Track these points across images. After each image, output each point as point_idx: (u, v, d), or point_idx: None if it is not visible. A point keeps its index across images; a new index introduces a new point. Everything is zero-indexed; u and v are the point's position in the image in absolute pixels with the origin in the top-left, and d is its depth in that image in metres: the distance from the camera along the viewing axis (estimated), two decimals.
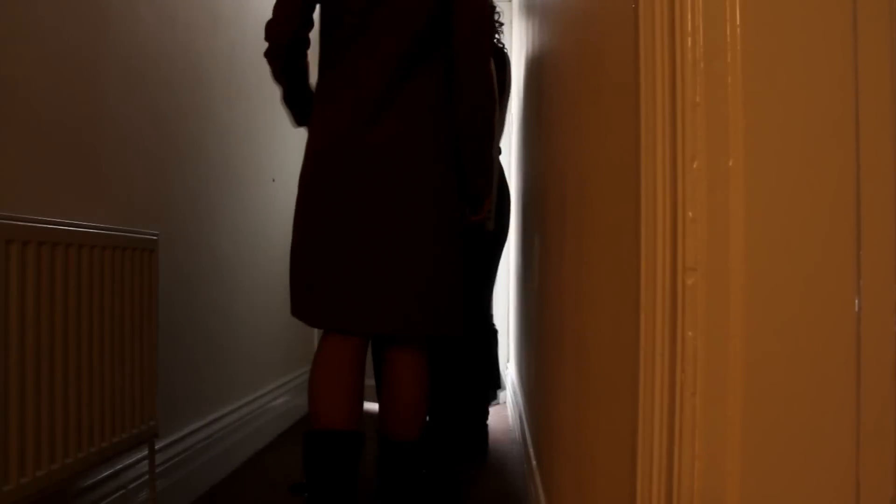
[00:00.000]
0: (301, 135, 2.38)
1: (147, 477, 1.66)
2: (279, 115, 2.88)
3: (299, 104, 1.61)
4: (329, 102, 1.45)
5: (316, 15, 1.51)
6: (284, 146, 2.94)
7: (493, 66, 1.53)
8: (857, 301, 0.49)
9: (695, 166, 0.52)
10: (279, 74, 1.51)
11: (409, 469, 1.51)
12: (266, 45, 1.47)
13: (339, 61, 1.45)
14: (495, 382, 2.70)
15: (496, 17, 2.44)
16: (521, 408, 2.52)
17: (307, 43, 1.49)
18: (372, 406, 2.69)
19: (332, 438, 1.39)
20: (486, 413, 2.55)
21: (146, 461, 1.66)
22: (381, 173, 1.40)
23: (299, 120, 1.65)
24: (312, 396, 1.43)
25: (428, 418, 2.07)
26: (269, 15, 1.47)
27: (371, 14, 1.41)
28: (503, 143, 2.79)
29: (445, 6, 1.42)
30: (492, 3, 2.20)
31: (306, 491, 1.39)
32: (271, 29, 1.44)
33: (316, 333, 3.25)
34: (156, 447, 1.67)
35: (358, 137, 1.40)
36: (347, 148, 1.40)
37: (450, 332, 1.48)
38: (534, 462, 1.82)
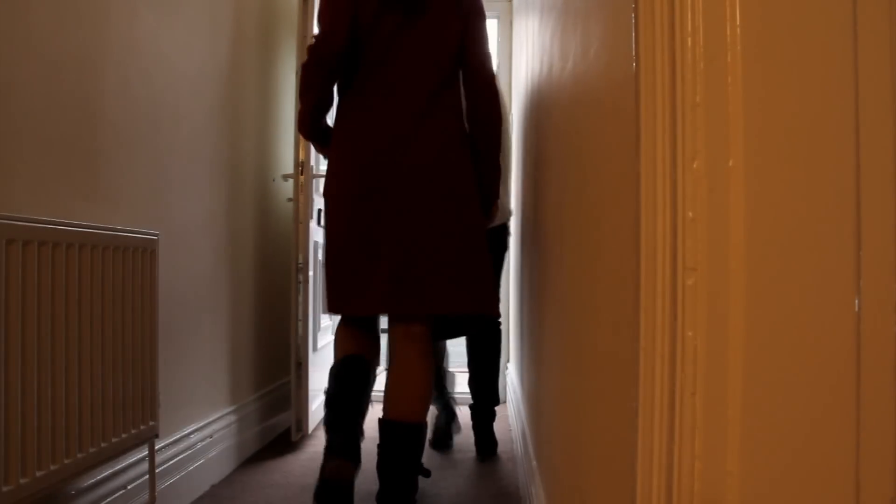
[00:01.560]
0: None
1: (147, 477, 1.66)
2: (279, 115, 2.88)
3: (321, 120, 1.77)
4: (364, 121, 1.66)
5: None
6: (284, 146, 2.94)
7: (500, 89, 1.75)
8: (857, 301, 0.49)
9: (695, 166, 0.52)
10: (322, 83, 1.68)
11: (412, 449, 1.65)
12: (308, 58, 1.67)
13: (369, 83, 1.66)
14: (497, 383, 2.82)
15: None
16: (521, 408, 2.52)
17: (345, 54, 1.65)
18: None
19: (349, 358, 1.71)
20: (494, 414, 2.65)
21: (146, 461, 1.66)
22: (423, 181, 1.62)
23: (324, 140, 1.79)
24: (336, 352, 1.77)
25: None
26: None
27: (400, 39, 1.64)
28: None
29: (462, 39, 1.69)
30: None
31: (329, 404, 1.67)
32: (325, 39, 1.62)
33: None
34: (156, 447, 1.67)
35: (401, 151, 1.62)
36: (393, 160, 1.62)
37: (489, 311, 1.71)
38: (534, 462, 1.82)
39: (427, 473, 1.99)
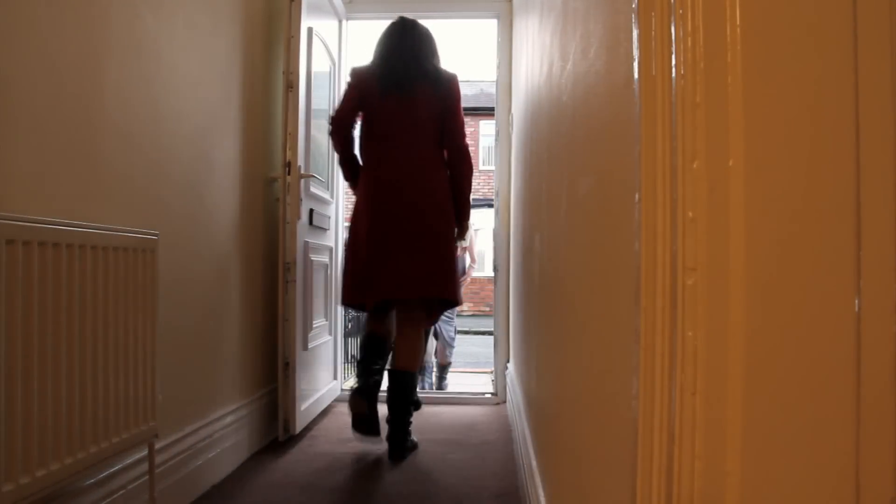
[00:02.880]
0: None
1: (147, 477, 1.66)
2: (279, 115, 2.88)
3: (350, 162, 2.64)
4: (377, 172, 2.49)
5: None
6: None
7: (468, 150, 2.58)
8: (857, 301, 0.49)
9: (695, 166, 0.52)
10: (339, 139, 2.58)
11: (409, 388, 2.53)
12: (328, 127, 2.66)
13: (380, 140, 2.49)
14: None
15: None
16: (521, 407, 2.52)
17: (354, 125, 2.59)
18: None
19: (372, 335, 2.60)
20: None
21: (146, 461, 1.66)
22: (420, 206, 2.44)
23: (353, 180, 2.67)
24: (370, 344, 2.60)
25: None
26: None
27: (398, 115, 2.46)
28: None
29: (442, 115, 2.49)
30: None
31: (361, 361, 2.57)
32: (337, 117, 2.57)
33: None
34: (156, 447, 1.67)
35: (409, 185, 2.45)
36: (402, 191, 2.44)
37: (451, 297, 2.57)
38: (534, 462, 1.82)
39: (418, 405, 2.87)
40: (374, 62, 2.51)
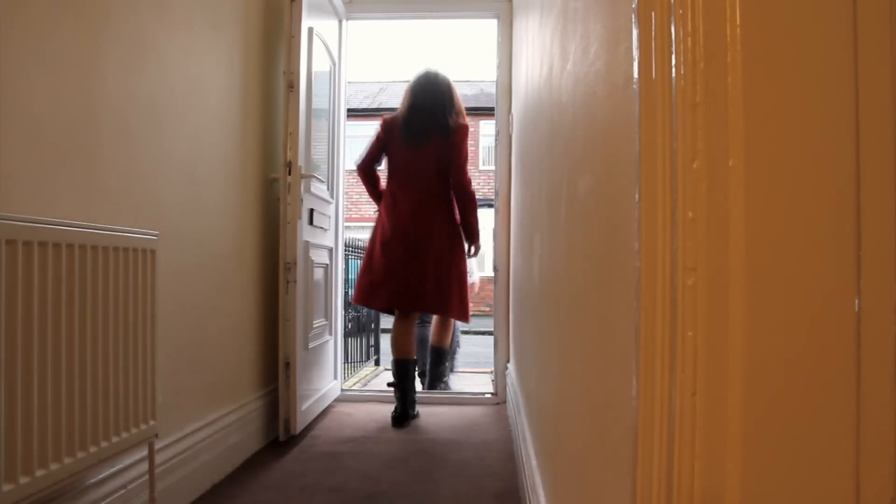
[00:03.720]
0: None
1: (147, 477, 1.66)
2: (279, 114, 2.88)
3: (375, 192, 3.28)
4: (395, 203, 3.07)
5: None
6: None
7: (472, 188, 3.16)
8: (857, 301, 0.49)
9: (695, 166, 0.52)
10: (365, 175, 3.24)
11: (441, 359, 3.68)
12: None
13: (399, 178, 3.09)
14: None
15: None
16: (521, 407, 2.52)
17: (378, 166, 3.26)
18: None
19: (404, 362, 3.12)
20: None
21: (146, 461, 1.66)
22: (428, 232, 3.01)
23: (377, 202, 3.27)
24: (395, 345, 3.14)
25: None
26: None
27: (413, 159, 3.04)
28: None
29: (449, 158, 3.05)
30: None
31: (396, 384, 3.12)
32: (361, 167, 3.20)
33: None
34: (156, 447, 1.67)
35: (419, 215, 3.02)
36: (413, 220, 3.01)
37: (459, 318, 3.28)
38: (534, 462, 1.82)
39: (446, 371, 3.81)
40: (401, 112, 3.10)
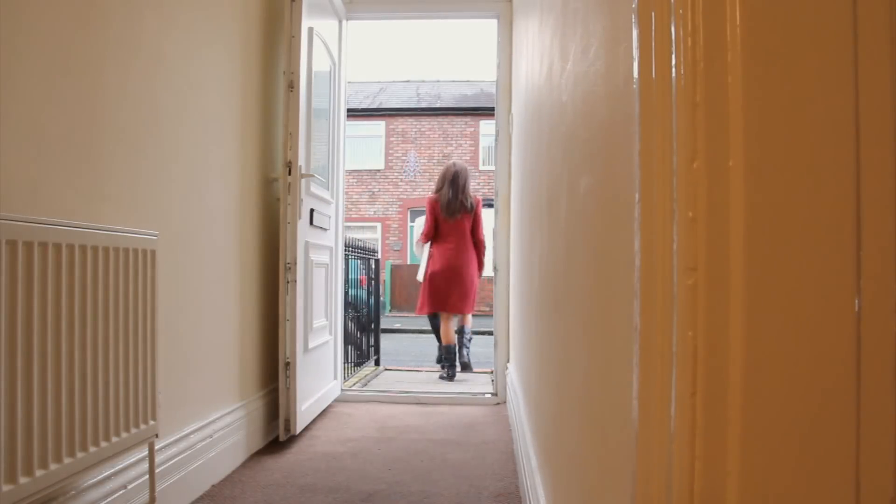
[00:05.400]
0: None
1: (147, 477, 1.66)
2: (279, 114, 2.88)
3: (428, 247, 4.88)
4: (441, 255, 4.72)
5: None
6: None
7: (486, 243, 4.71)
8: (857, 301, 0.49)
9: (695, 166, 0.52)
10: (426, 240, 4.81)
11: (464, 330, 4.85)
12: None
13: (443, 238, 4.74)
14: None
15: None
16: (521, 407, 2.52)
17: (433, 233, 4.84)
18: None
19: (450, 346, 4.75)
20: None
21: (146, 461, 1.66)
22: (463, 268, 4.72)
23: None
24: (443, 335, 4.83)
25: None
26: None
27: (451, 226, 4.71)
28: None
29: (473, 223, 4.77)
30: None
31: (444, 359, 4.77)
32: (425, 233, 4.80)
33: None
34: (156, 447, 1.67)
35: (456, 260, 4.71)
36: (454, 264, 4.70)
37: (470, 311, 4.89)
38: (534, 462, 1.82)
39: (467, 344, 4.87)
40: (440, 193, 4.70)
